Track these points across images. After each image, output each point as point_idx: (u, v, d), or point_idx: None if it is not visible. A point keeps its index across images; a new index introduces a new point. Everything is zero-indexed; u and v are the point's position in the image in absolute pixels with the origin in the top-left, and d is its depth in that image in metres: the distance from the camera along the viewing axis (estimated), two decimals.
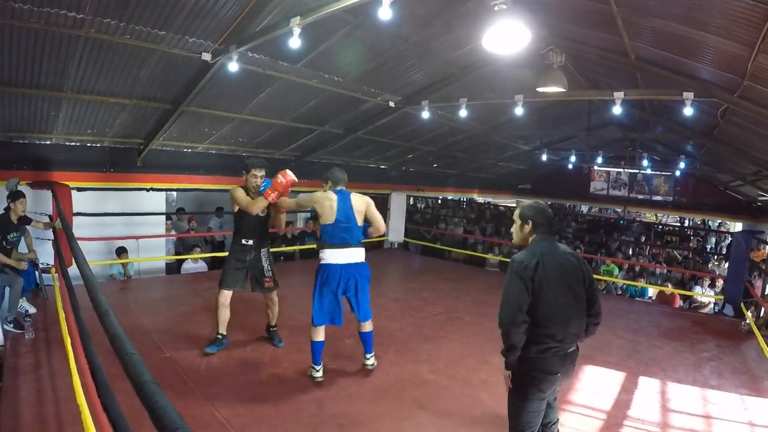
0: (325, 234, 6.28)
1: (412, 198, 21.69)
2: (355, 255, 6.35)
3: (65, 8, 7.11)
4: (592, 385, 6.57)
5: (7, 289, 7.76)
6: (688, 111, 9.47)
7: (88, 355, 3.19)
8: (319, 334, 6.36)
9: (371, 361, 6.70)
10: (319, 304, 6.26)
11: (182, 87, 10.30)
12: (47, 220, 9.03)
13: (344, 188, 6.48)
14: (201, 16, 8.02)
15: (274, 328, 7.68)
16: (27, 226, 8.34)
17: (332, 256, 6.23)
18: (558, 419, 4.77)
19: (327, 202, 6.28)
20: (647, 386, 6.69)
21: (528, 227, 4.22)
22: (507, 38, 6.90)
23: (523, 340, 3.90)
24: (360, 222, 6.42)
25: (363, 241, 6.51)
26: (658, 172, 26.25)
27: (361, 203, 6.48)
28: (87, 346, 3.36)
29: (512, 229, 4.45)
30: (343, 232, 6.27)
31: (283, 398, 5.80)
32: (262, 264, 7.26)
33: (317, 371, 6.35)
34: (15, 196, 8.05)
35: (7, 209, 7.99)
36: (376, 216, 6.58)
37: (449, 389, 6.25)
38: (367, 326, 6.57)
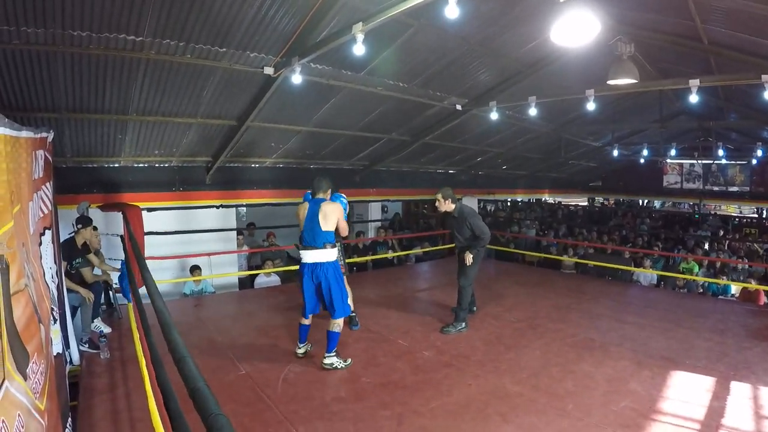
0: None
1: (482, 202, 21.46)
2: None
3: (124, 32, 7.20)
4: (682, 393, 6.22)
5: (81, 306, 7.80)
6: (767, 95, 9.06)
7: (161, 383, 3.06)
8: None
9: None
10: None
11: (246, 102, 10.34)
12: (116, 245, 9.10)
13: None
14: (260, 30, 8.01)
15: (352, 314, 8.48)
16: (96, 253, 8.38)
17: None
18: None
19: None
20: (739, 391, 6.29)
21: (449, 201, 8.41)
22: (576, 30, 6.71)
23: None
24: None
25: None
26: (733, 162, 25.48)
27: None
28: (159, 373, 3.24)
29: (437, 204, 8.54)
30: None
31: (362, 414, 5.65)
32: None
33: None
34: (85, 222, 8.11)
35: (74, 234, 8.07)
36: None
37: (534, 401, 5.99)
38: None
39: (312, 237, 6.83)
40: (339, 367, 6.83)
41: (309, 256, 6.83)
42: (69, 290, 7.58)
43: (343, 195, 7.74)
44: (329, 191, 7.20)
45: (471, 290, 8.63)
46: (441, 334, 8.32)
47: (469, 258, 8.35)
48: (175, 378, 2.72)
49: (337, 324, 6.83)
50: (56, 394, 4.01)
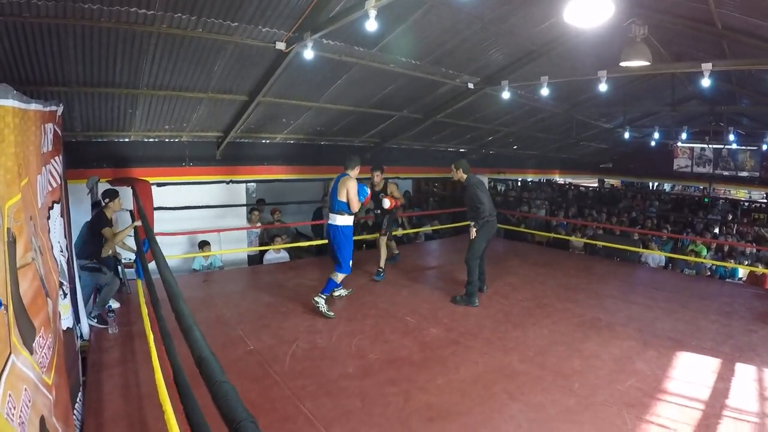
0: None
1: (492, 181, 21.43)
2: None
3: (135, 5, 7.13)
4: (687, 373, 6.27)
5: (104, 287, 7.90)
6: None
7: (170, 357, 3.07)
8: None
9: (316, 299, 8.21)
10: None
11: (258, 78, 10.29)
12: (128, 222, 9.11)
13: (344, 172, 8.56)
14: (273, 5, 7.94)
15: (380, 269, 10.35)
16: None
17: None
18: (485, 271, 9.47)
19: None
20: (744, 373, 6.34)
21: (461, 172, 8.97)
22: (589, 10, 6.70)
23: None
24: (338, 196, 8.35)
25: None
26: (744, 147, 25.32)
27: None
28: (168, 346, 3.25)
29: (452, 174, 9.16)
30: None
31: (369, 391, 5.69)
32: (383, 221, 10.60)
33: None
34: (112, 195, 8.12)
35: (104, 208, 8.07)
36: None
37: (540, 379, 6.03)
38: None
39: (331, 203, 8.38)
40: (322, 309, 8.04)
41: (328, 218, 8.51)
42: (95, 270, 7.82)
43: (366, 186, 8.67)
44: (355, 169, 8.50)
45: (475, 265, 8.84)
46: (449, 311, 8.38)
47: (472, 231, 8.90)
48: (183, 353, 2.73)
49: (337, 275, 8.31)
50: (65, 369, 4.02)
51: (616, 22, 9.00)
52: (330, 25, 8.14)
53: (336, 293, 8.93)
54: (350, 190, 8.18)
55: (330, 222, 8.47)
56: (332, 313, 8.08)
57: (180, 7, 7.43)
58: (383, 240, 10.57)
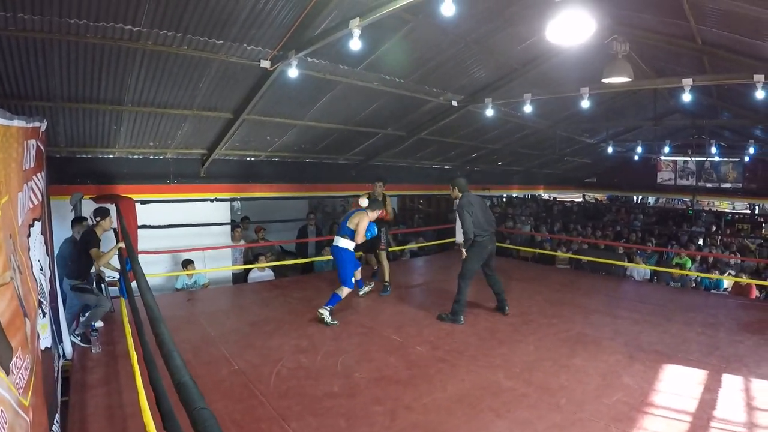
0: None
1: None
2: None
3: (121, 22, 7.13)
4: (674, 386, 6.25)
5: (93, 308, 7.78)
6: (759, 94, 9.06)
7: (153, 383, 3.04)
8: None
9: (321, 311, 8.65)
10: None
11: (242, 95, 10.30)
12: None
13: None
14: (258, 23, 7.97)
15: (386, 283, 10.74)
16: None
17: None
18: (503, 290, 9.36)
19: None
20: (731, 384, 6.33)
21: (457, 190, 9.01)
22: (571, 29, 6.77)
23: (474, 234, 8.56)
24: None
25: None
26: (726, 159, 25.77)
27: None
28: (152, 372, 3.22)
29: (450, 192, 9.31)
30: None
31: (355, 410, 5.62)
32: (381, 236, 10.67)
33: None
34: (104, 214, 8.01)
35: (95, 226, 7.96)
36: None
37: (527, 396, 5.98)
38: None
39: (340, 227, 9.28)
40: (327, 320, 8.47)
41: (334, 240, 9.25)
42: (84, 291, 7.73)
43: (375, 226, 9.52)
44: (375, 212, 9.34)
45: (465, 284, 8.81)
46: (434, 329, 8.32)
47: (462, 252, 8.95)
48: (167, 373, 2.70)
49: (341, 290, 8.77)
50: (43, 390, 3.97)
51: (598, 40, 9.13)
52: (314, 43, 8.18)
53: (361, 292, 10.16)
54: (361, 224, 8.98)
55: (334, 243, 9.21)
56: (336, 321, 8.50)
57: (166, 24, 7.45)
58: (383, 254, 10.92)
